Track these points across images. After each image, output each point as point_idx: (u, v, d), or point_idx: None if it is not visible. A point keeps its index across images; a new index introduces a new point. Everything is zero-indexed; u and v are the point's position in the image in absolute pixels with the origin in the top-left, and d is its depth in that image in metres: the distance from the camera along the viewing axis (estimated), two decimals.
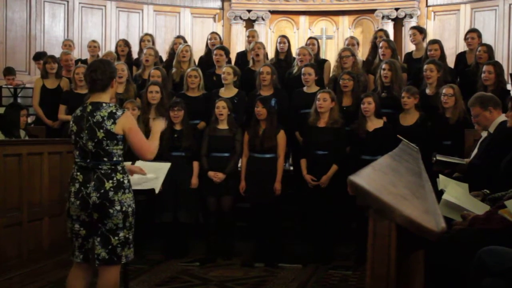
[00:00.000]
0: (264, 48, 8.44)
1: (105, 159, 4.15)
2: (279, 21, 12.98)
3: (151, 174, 5.11)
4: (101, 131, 4.12)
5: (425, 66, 7.35)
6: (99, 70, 4.22)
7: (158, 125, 4.62)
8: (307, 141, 6.99)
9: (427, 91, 7.34)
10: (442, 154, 5.93)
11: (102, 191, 4.10)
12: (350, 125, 6.98)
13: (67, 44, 9.82)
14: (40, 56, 9.75)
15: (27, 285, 5.88)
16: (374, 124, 6.82)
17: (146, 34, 9.62)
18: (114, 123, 4.13)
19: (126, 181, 4.22)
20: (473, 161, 5.57)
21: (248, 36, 9.17)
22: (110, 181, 4.13)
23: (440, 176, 5.02)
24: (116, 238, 4.14)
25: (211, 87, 7.82)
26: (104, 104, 4.20)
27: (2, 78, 10.17)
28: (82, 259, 4.22)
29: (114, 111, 4.17)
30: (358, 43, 9.21)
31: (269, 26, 12.85)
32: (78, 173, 4.18)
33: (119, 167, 4.20)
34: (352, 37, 9.34)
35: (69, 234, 4.25)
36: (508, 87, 8.17)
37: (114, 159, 4.18)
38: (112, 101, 7.13)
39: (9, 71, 10.03)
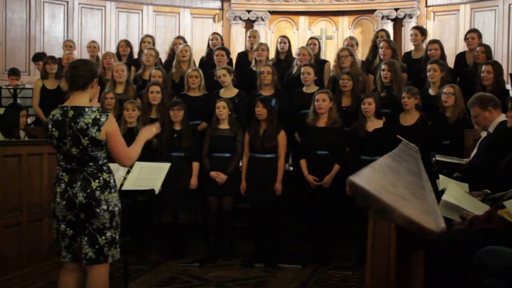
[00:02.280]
0: (267, 50, 8.43)
1: (90, 163, 4.12)
2: (278, 22, 12.98)
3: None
4: (86, 138, 4.05)
5: (429, 66, 7.34)
6: (80, 67, 4.16)
7: (146, 133, 4.54)
8: (307, 142, 6.99)
9: (431, 91, 7.33)
10: (441, 153, 5.93)
11: (89, 190, 4.07)
12: (350, 125, 6.97)
13: (68, 45, 9.81)
14: (39, 57, 9.75)
15: (27, 286, 5.88)
16: (374, 124, 6.82)
17: (147, 36, 9.62)
18: (99, 130, 4.06)
19: (112, 181, 4.20)
20: (473, 161, 5.57)
21: (250, 37, 9.16)
22: (97, 181, 4.10)
23: (441, 176, 5.01)
24: (103, 237, 4.12)
25: (213, 87, 7.82)
26: (86, 109, 4.10)
27: (3, 78, 10.17)
28: (70, 259, 4.20)
29: (98, 117, 4.08)
30: (357, 44, 9.20)
31: (269, 26, 12.84)
32: (64, 174, 4.14)
33: (104, 167, 4.18)
34: (351, 38, 9.34)
35: (55, 235, 4.21)
36: (508, 87, 8.17)
37: (100, 162, 4.15)
38: (111, 101, 7.20)
39: (14, 72, 10.03)
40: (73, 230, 4.14)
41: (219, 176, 6.98)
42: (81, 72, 4.13)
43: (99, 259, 4.14)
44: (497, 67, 7.20)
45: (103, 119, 4.09)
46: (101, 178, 4.12)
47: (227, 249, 7.10)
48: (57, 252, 4.24)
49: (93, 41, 9.68)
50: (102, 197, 4.09)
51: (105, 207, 4.10)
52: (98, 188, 4.09)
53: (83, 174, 4.10)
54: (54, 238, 4.24)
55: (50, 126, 4.15)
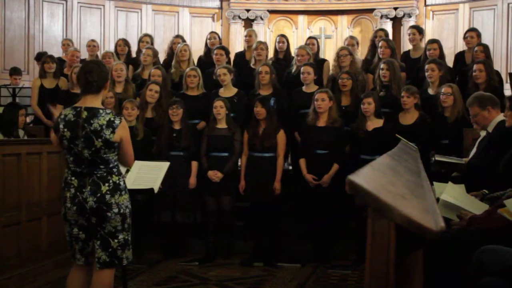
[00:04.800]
0: (267, 49, 8.42)
1: (101, 166, 4.08)
2: (277, 21, 12.96)
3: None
4: (100, 140, 4.02)
5: (427, 66, 7.34)
6: (94, 72, 4.11)
7: None
8: (306, 141, 6.99)
9: (430, 91, 7.33)
10: (440, 153, 5.93)
11: (99, 195, 4.03)
12: (350, 124, 6.98)
13: (66, 44, 9.80)
14: (42, 56, 9.73)
15: (26, 285, 5.88)
16: (374, 123, 6.82)
17: (145, 35, 9.60)
18: (113, 132, 4.04)
19: (122, 183, 4.16)
20: (472, 160, 5.57)
21: (246, 35, 9.16)
22: (106, 184, 4.06)
23: (435, 183, 4.93)
24: (116, 240, 4.10)
25: (212, 86, 7.82)
26: (101, 111, 4.08)
27: (2, 77, 10.17)
28: (84, 262, 4.19)
29: (112, 119, 4.06)
30: (357, 43, 9.20)
31: (268, 25, 12.83)
32: (73, 178, 4.10)
33: (114, 169, 4.14)
34: (351, 37, 9.34)
35: (68, 238, 4.20)
36: (507, 86, 8.17)
37: (110, 165, 4.12)
38: (110, 100, 7.19)
39: (15, 71, 10.01)
40: (85, 234, 4.12)
41: (216, 175, 6.98)
42: (96, 77, 4.10)
43: (113, 262, 4.13)
44: (488, 65, 7.21)
45: (117, 121, 4.07)
46: (110, 181, 4.08)
47: (226, 248, 7.10)
48: (71, 254, 4.22)
49: (93, 40, 9.65)
50: (113, 200, 4.06)
51: (116, 210, 4.07)
52: (108, 192, 4.05)
53: (92, 178, 4.06)
54: (67, 240, 4.21)
55: (61, 126, 4.09)
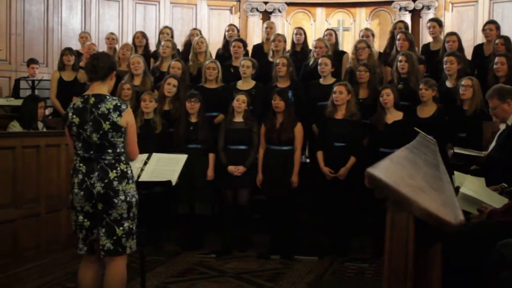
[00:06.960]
0: (284, 41, 8.40)
1: (109, 150, 4.18)
2: (295, 13, 12.91)
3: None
4: (107, 123, 4.14)
5: (445, 59, 7.29)
6: (101, 59, 4.29)
7: None
8: (324, 133, 6.96)
9: (448, 83, 7.29)
10: (457, 146, 5.89)
11: (106, 181, 4.13)
12: (369, 117, 6.94)
13: (84, 37, 9.84)
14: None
15: (44, 276, 5.93)
16: (394, 116, 6.78)
17: (166, 27, 9.63)
18: (120, 115, 4.17)
19: (129, 172, 4.26)
20: (491, 153, 5.52)
21: (267, 28, 9.15)
22: (114, 171, 4.16)
23: (455, 172, 4.94)
24: (121, 228, 4.17)
25: (229, 79, 7.81)
26: (107, 97, 4.23)
27: (21, 70, 10.23)
28: (86, 251, 4.26)
29: (118, 104, 4.21)
30: (373, 35, 9.13)
31: (286, 18, 12.78)
32: (81, 164, 4.20)
33: (122, 157, 4.24)
34: (367, 29, 9.29)
35: (73, 226, 4.28)
36: None
37: (118, 150, 4.22)
38: (128, 92, 7.21)
39: (32, 61, 10.05)
40: (91, 221, 4.19)
41: (238, 170, 6.98)
42: (102, 63, 4.26)
43: (117, 250, 4.18)
44: (509, 58, 7.15)
45: (123, 106, 4.22)
46: (118, 168, 4.18)
47: (243, 240, 7.11)
48: (75, 243, 4.30)
49: (112, 33, 9.67)
50: (120, 187, 4.14)
51: (122, 197, 4.15)
52: (116, 179, 4.14)
53: (100, 164, 4.15)
54: (72, 229, 4.29)
55: (70, 114, 4.22)
